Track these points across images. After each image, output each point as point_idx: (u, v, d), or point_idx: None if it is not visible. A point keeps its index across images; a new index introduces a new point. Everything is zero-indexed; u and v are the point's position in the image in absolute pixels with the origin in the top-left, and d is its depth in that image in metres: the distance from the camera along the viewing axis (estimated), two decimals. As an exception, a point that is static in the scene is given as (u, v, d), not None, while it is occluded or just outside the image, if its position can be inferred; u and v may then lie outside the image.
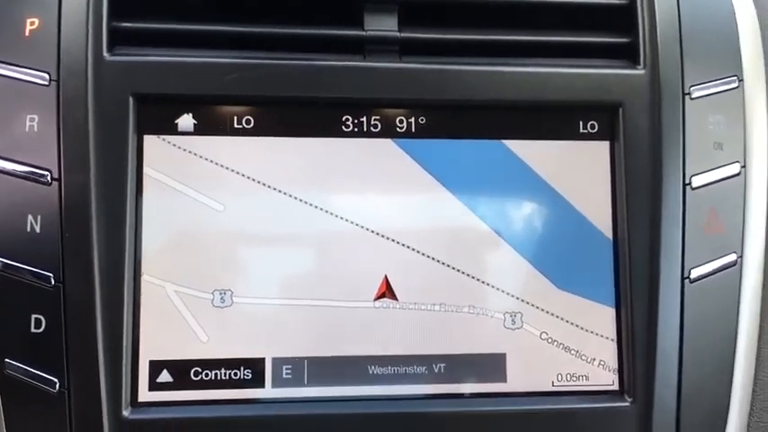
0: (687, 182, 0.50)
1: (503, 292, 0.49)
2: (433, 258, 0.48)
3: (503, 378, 0.48)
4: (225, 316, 0.47)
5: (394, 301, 0.48)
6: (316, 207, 0.48)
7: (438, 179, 0.49)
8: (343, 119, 0.49)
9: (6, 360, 0.44)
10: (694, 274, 0.49)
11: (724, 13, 0.53)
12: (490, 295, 0.49)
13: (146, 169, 0.47)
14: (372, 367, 0.47)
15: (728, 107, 0.51)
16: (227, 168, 0.47)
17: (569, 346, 0.49)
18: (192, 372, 0.46)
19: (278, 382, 0.47)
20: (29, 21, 0.46)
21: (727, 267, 0.50)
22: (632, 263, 0.49)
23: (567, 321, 0.49)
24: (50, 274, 0.44)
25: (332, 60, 0.49)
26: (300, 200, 0.48)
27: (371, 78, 0.49)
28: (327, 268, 0.48)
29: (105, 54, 0.46)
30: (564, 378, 0.49)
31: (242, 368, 0.47)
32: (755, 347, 0.51)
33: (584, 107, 0.50)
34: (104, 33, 0.46)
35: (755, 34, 0.54)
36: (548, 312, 0.49)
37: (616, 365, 0.49)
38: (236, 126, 0.48)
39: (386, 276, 0.48)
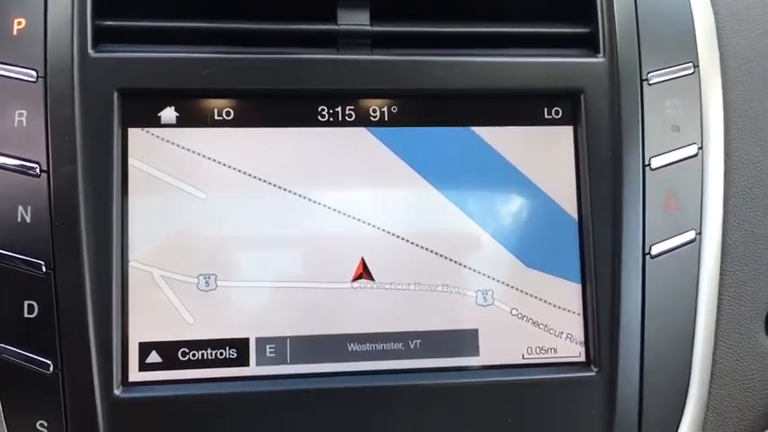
0: (647, 163, 0.52)
1: (474, 271, 0.51)
2: (407, 240, 0.51)
3: (476, 352, 0.51)
4: (210, 299, 0.49)
5: (371, 282, 0.50)
6: (294, 194, 0.50)
7: (411, 165, 0.51)
8: (319, 109, 0.51)
9: (1, 345, 0.46)
10: (655, 250, 0.52)
11: (679, 3, 0.56)
12: (462, 274, 0.51)
13: (131, 160, 0.49)
14: (352, 344, 0.50)
15: (685, 92, 0.54)
16: (208, 158, 0.49)
17: (538, 320, 0.51)
18: (180, 352, 0.48)
19: (262, 361, 0.49)
20: (16, 21, 0.48)
21: (687, 244, 0.52)
22: (596, 241, 0.51)
23: (536, 297, 0.51)
24: (41, 262, 0.46)
25: (307, 54, 0.51)
26: (280, 187, 0.50)
27: (345, 70, 0.51)
28: (307, 252, 0.50)
29: (90, 51, 0.48)
30: (534, 351, 0.51)
31: (227, 348, 0.49)
32: (715, 319, 0.53)
33: (547, 94, 0.53)
34: (89, 31, 0.48)
35: (710, 22, 0.56)
36: (517, 289, 0.51)
37: (582, 338, 0.51)
38: (216, 118, 0.50)
39: (362, 258, 0.50)
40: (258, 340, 0.49)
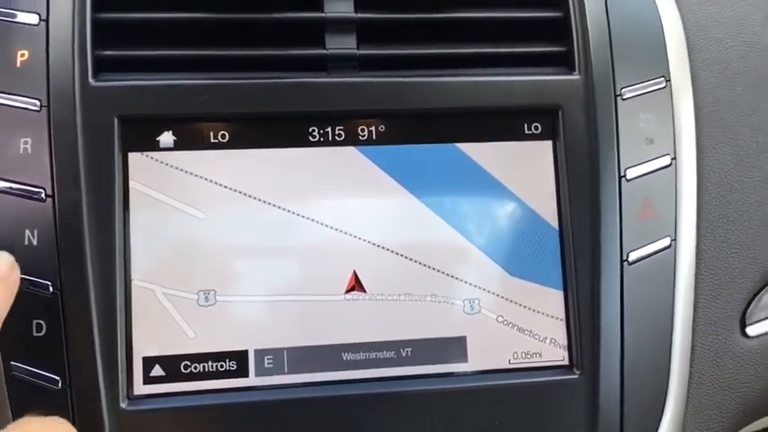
0: (622, 174, 0.55)
1: (461, 281, 0.54)
2: (396, 253, 0.53)
3: (464, 358, 0.53)
4: (209, 314, 0.51)
5: (363, 294, 0.53)
6: (288, 211, 0.52)
7: (399, 181, 0.54)
8: (310, 130, 0.53)
9: (12, 362, 0.48)
10: (632, 257, 0.54)
11: (650, 20, 0.58)
12: (450, 284, 0.53)
13: (131, 183, 0.51)
14: (346, 354, 0.52)
15: (658, 105, 0.56)
16: (205, 179, 0.52)
17: (523, 327, 0.54)
18: (182, 365, 0.50)
19: (261, 371, 0.51)
20: (19, 53, 0.50)
21: (663, 250, 0.55)
22: (576, 249, 0.53)
23: (521, 305, 0.54)
24: (48, 283, 0.48)
25: (297, 78, 0.53)
26: (274, 205, 0.52)
27: (334, 92, 0.53)
28: (301, 266, 0.52)
29: (91, 80, 0.50)
30: (519, 356, 0.54)
31: (227, 360, 0.51)
32: (691, 321, 0.55)
33: (527, 111, 0.55)
34: (89, 61, 0.50)
35: (680, 38, 0.59)
36: (502, 297, 0.54)
37: (566, 342, 0.54)
38: (212, 140, 0.52)
39: (354, 271, 0.53)
40: (256, 352, 0.51)
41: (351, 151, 0.53)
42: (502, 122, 0.55)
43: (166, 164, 0.52)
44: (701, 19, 0.60)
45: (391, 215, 0.54)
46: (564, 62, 0.56)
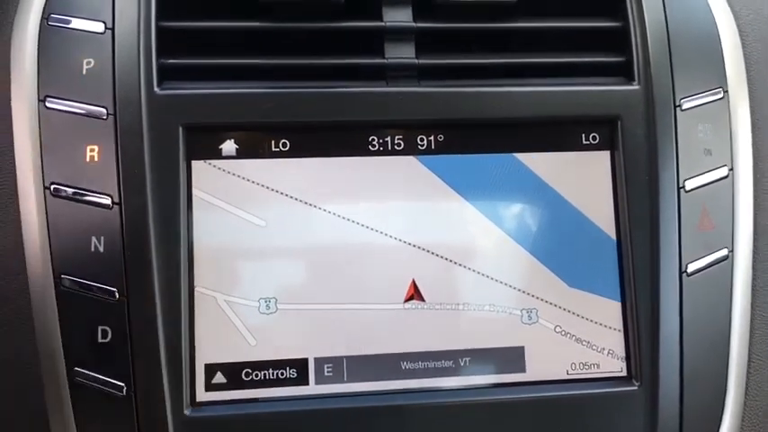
0: (681, 185, 0.55)
1: (519, 290, 0.54)
2: (455, 262, 0.53)
3: (522, 369, 0.53)
4: (270, 321, 0.51)
5: (422, 303, 0.53)
6: (348, 220, 0.53)
7: (457, 190, 0.54)
8: (369, 139, 0.53)
9: (76, 368, 0.48)
10: (691, 268, 0.54)
11: (708, 31, 0.58)
12: (508, 294, 0.53)
13: (195, 191, 0.51)
14: (405, 363, 0.52)
15: (715, 116, 0.56)
16: (267, 188, 0.52)
17: (581, 337, 0.54)
18: (243, 373, 0.51)
19: (320, 380, 0.51)
20: (85, 61, 0.51)
21: (720, 261, 0.55)
22: (635, 260, 0.53)
23: (578, 315, 0.54)
24: (115, 289, 0.49)
25: (357, 87, 0.53)
26: (334, 213, 0.53)
27: (393, 102, 0.53)
28: (361, 275, 0.52)
29: (156, 89, 0.51)
30: (577, 367, 0.54)
31: (287, 368, 0.51)
32: (748, 332, 0.55)
33: (585, 121, 0.55)
34: (154, 70, 0.51)
35: (737, 49, 0.59)
36: (560, 308, 0.54)
37: (624, 354, 0.54)
38: (273, 149, 0.52)
39: (413, 280, 0.53)
40: (316, 360, 0.52)
41: (410, 161, 0.54)
42: (560, 132, 0.55)
43: (229, 172, 0.52)
44: (759, 29, 0.60)
45: (450, 225, 0.54)
46: (623, 72, 0.57)
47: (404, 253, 0.53)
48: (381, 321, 0.52)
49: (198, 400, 0.50)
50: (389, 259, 0.53)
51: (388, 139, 0.54)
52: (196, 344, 0.50)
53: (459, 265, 0.53)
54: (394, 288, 0.53)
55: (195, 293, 0.51)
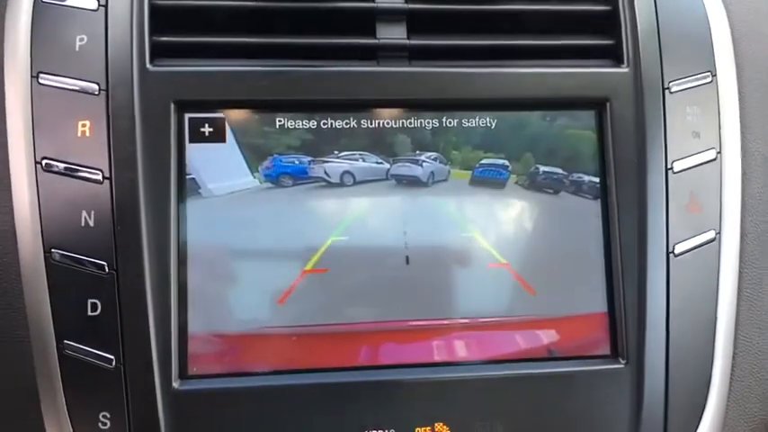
0: (669, 167, 0.55)
1: (504, 264, 0.54)
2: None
3: (508, 345, 0.53)
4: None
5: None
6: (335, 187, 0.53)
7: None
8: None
9: (65, 341, 0.49)
10: (678, 249, 0.54)
11: (697, 14, 0.59)
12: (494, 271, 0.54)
13: (186, 167, 0.52)
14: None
15: (704, 100, 0.57)
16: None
17: (568, 315, 0.54)
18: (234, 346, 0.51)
19: None
20: (78, 38, 0.51)
21: (708, 243, 0.55)
22: (622, 240, 0.54)
23: (566, 294, 0.54)
24: (104, 263, 0.49)
25: (349, 66, 0.54)
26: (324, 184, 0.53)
27: (384, 82, 0.54)
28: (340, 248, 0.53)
29: (148, 65, 0.51)
30: (564, 344, 0.54)
31: None
32: (735, 314, 0.56)
33: (575, 103, 0.56)
34: (147, 47, 0.51)
35: (726, 33, 0.59)
36: (548, 285, 0.54)
37: (609, 333, 0.54)
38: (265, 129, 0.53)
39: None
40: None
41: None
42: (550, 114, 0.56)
43: (219, 148, 0.52)
44: (748, 14, 0.61)
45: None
46: (612, 55, 0.57)
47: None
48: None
49: (188, 373, 0.50)
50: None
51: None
52: (188, 317, 0.50)
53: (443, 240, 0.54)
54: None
55: (187, 268, 0.51)
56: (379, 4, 0.55)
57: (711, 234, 0.55)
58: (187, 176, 0.52)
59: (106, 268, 0.49)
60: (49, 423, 0.49)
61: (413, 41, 0.55)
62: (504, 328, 0.54)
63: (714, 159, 0.56)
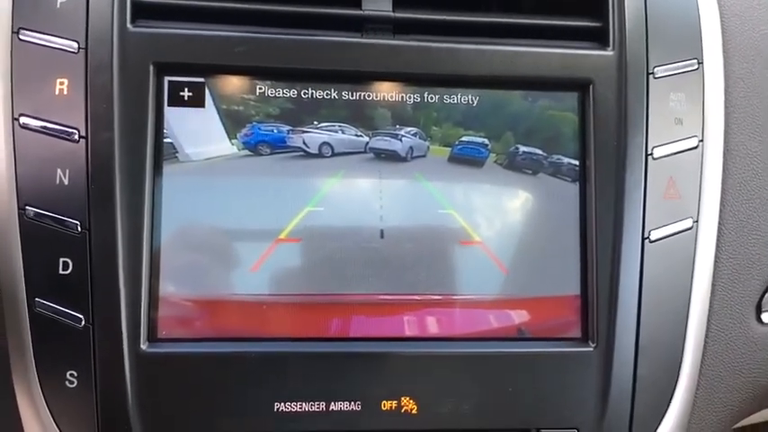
0: (649, 152, 0.55)
1: (478, 245, 0.54)
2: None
3: (478, 323, 0.54)
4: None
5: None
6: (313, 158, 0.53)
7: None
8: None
9: (36, 299, 0.49)
10: (654, 235, 0.54)
11: (688, 2, 0.58)
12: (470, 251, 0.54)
13: (163, 128, 0.51)
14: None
15: (689, 87, 0.56)
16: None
17: (538, 296, 0.54)
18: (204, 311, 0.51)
19: None
20: (59, -6, 0.51)
21: (684, 231, 0.55)
22: (598, 223, 0.54)
23: (538, 275, 0.54)
24: (77, 222, 0.49)
25: (333, 36, 0.53)
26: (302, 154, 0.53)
27: (367, 53, 0.53)
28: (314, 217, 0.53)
29: (129, 26, 0.51)
30: (534, 326, 0.54)
31: None
32: (708, 303, 0.56)
33: (557, 83, 0.55)
34: (128, 7, 0.51)
35: (715, 21, 0.59)
36: (521, 267, 0.54)
37: (580, 316, 0.54)
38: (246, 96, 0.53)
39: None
40: None
41: None
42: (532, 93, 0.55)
43: (197, 111, 0.52)
44: (737, 5, 0.60)
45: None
46: (598, 37, 0.57)
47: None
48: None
49: (157, 336, 0.50)
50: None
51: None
52: (159, 281, 0.51)
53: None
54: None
55: (160, 231, 0.51)
56: (365, -24, 0.55)
57: (689, 222, 0.55)
58: (165, 140, 0.51)
59: (79, 228, 0.49)
60: (17, 380, 0.50)
61: (398, 14, 0.55)
62: (476, 307, 0.54)
63: (696, 147, 0.56)
